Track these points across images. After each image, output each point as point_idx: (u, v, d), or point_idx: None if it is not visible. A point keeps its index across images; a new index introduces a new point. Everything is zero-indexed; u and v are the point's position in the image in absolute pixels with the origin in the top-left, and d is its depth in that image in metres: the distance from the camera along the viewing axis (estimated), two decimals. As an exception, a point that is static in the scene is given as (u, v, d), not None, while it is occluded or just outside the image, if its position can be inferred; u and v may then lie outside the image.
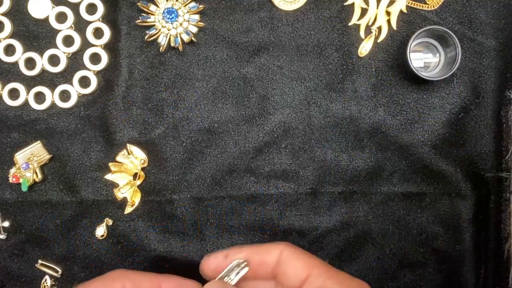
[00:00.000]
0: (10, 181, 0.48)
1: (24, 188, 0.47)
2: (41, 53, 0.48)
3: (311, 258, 0.38)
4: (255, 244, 0.41)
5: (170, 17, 0.46)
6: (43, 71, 0.48)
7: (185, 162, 0.48)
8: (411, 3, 0.47)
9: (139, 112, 0.48)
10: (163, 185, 0.48)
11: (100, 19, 0.48)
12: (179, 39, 0.47)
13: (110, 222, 0.48)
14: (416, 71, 0.45)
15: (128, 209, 0.48)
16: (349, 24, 0.48)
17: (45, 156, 0.48)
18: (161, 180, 0.48)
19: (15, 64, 0.48)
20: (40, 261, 0.49)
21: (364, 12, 0.48)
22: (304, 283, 0.37)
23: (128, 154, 0.48)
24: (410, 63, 0.45)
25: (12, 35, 0.48)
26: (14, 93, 0.48)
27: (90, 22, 0.48)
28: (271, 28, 0.48)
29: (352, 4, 0.47)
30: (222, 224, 0.49)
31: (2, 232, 0.48)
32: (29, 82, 0.48)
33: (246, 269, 0.38)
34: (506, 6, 0.47)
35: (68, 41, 0.48)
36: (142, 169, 0.48)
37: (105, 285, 0.37)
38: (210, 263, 0.39)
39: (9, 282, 0.49)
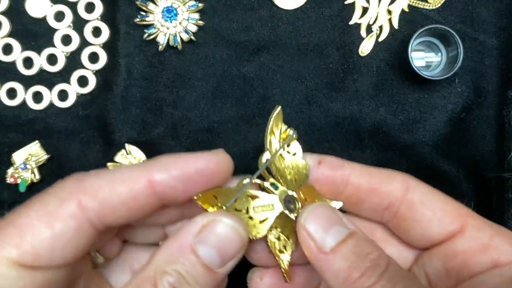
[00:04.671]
0: (8, 181, 0.47)
1: (22, 189, 0.47)
2: (39, 52, 0.47)
3: (456, 204, 0.26)
4: (370, 166, 0.29)
5: (169, 16, 0.46)
6: (41, 71, 0.48)
7: (184, 162, 0.48)
8: (413, 2, 0.47)
9: (138, 111, 0.48)
10: (162, 186, 0.48)
11: (99, 18, 0.47)
12: (178, 38, 0.46)
13: (109, 222, 0.48)
14: (417, 71, 0.45)
15: (127, 210, 0.48)
16: (350, 23, 0.47)
17: (43, 156, 0.47)
18: (160, 180, 0.48)
19: (13, 63, 0.47)
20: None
21: (365, 11, 0.47)
22: (454, 237, 0.25)
23: (127, 154, 0.48)
24: (411, 62, 0.45)
25: (10, 34, 0.47)
26: (12, 93, 0.47)
27: (88, 21, 0.47)
28: (271, 27, 0.47)
29: (353, 3, 0.47)
30: (221, 224, 0.48)
31: None
32: (27, 82, 0.48)
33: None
34: (508, 5, 0.47)
35: (66, 40, 0.47)
36: (141, 169, 0.48)
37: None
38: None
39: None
